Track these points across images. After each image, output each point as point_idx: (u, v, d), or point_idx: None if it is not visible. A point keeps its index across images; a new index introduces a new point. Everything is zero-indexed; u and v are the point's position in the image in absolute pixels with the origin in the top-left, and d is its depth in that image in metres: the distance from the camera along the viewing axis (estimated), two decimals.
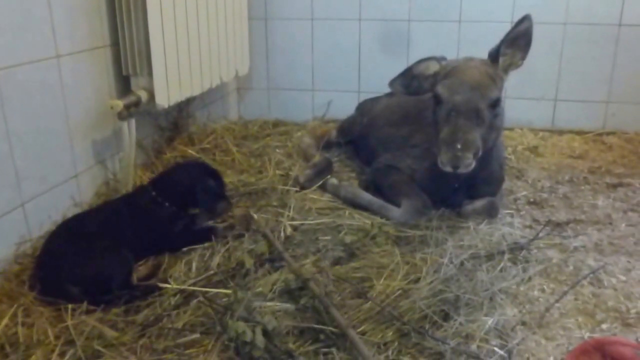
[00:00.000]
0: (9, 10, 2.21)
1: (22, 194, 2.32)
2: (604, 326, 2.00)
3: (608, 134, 3.97)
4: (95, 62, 2.72)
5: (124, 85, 2.88)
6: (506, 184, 3.07)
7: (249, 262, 2.29)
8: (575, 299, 2.16)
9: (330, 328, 1.90)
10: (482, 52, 2.60)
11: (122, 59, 2.81)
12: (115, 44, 2.82)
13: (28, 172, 2.34)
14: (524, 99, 4.03)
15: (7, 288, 2.14)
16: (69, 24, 2.53)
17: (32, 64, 2.34)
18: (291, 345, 1.86)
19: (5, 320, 1.96)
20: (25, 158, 2.32)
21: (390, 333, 1.93)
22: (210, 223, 2.63)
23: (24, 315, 2.00)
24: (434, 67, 2.61)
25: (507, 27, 2.57)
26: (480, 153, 2.42)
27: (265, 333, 1.84)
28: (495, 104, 2.47)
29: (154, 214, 2.45)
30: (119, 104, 2.68)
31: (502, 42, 2.54)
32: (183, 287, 2.19)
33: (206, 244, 2.49)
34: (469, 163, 2.36)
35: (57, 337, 1.92)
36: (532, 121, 4.11)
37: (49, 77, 2.45)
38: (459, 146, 2.34)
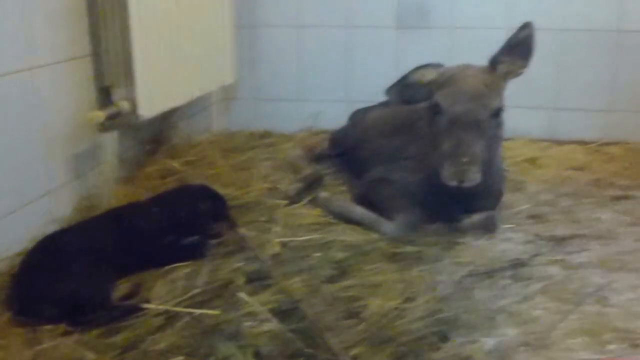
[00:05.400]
0: None
1: None
2: (610, 347, 1.93)
3: (610, 144, 3.94)
4: (75, 72, 2.67)
5: (105, 96, 2.82)
6: (505, 197, 3.01)
7: (240, 280, 2.25)
8: (580, 319, 2.08)
9: (324, 355, 1.84)
10: (476, 60, 2.58)
11: (103, 69, 2.76)
12: (96, 54, 2.77)
13: (2, 187, 2.29)
14: (521, 107, 3.95)
15: None
16: (47, 34, 2.49)
17: (7, 75, 2.29)
18: None
19: None
20: None
21: (385, 356, 1.86)
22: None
23: None
24: (430, 75, 2.58)
25: (502, 34, 2.55)
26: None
27: (257, 355, 1.81)
28: (497, 113, 2.45)
29: (151, 231, 2.42)
30: (100, 115, 2.64)
31: (501, 49, 2.51)
32: (166, 307, 2.12)
33: (190, 262, 2.43)
34: (475, 177, 2.35)
35: None
36: (531, 131, 4.06)
37: (25, 88, 2.39)
38: (464, 160, 2.32)
